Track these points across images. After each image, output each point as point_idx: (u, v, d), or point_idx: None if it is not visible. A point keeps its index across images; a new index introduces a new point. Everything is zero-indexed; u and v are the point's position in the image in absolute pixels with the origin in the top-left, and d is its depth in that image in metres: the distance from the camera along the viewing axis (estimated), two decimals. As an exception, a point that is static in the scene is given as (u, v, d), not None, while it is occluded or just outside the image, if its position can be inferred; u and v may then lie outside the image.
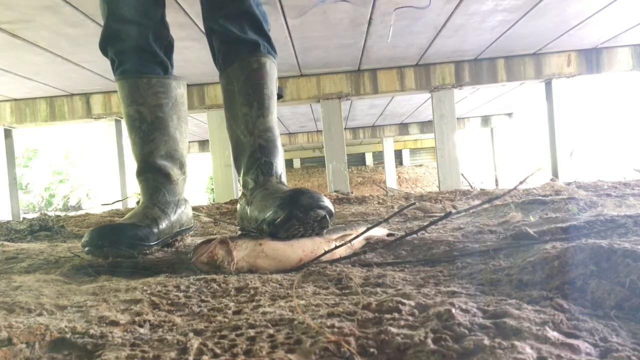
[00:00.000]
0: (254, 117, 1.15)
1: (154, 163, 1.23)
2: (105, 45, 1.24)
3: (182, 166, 1.29)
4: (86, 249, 1.03)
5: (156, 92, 1.22)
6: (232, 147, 1.23)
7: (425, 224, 1.20)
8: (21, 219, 2.41)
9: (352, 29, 2.74)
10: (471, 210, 1.54)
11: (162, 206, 1.20)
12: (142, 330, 0.55)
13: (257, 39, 1.19)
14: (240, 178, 1.20)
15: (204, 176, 11.25)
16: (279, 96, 1.25)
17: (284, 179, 1.18)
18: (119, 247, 1.03)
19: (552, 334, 0.44)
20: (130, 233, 1.07)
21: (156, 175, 1.23)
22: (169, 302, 0.67)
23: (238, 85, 1.16)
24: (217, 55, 1.23)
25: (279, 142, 1.20)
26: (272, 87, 1.20)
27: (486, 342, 0.42)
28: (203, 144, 7.63)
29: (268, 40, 1.23)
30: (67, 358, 0.49)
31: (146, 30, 1.21)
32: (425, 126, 7.39)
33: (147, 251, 1.10)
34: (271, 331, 0.51)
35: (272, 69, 1.20)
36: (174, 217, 1.22)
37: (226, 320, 0.57)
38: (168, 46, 1.29)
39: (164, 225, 1.17)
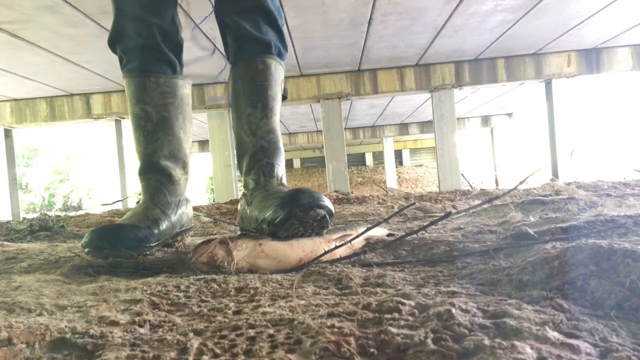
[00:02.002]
0: (257, 118, 1.16)
1: (156, 163, 1.22)
2: (114, 43, 1.24)
3: (184, 166, 1.29)
4: (86, 250, 1.03)
5: (163, 92, 1.21)
6: (235, 147, 1.23)
7: (425, 224, 1.20)
8: (21, 219, 2.41)
9: (352, 29, 2.73)
10: (471, 210, 1.54)
11: (163, 207, 1.20)
12: (142, 330, 0.55)
13: (270, 40, 1.18)
14: (242, 178, 1.20)
15: (204, 176, 11.25)
16: (283, 97, 1.25)
17: (285, 180, 1.18)
18: (119, 248, 1.03)
19: (552, 334, 0.44)
20: (130, 234, 1.07)
21: (158, 176, 1.23)
22: (169, 302, 0.67)
23: (243, 85, 1.17)
24: (229, 52, 1.23)
25: (281, 143, 1.20)
26: (277, 88, 1.20)
27: (486, 342, 0.42)
28: (203, 144, 7.62)
29: (281, 36, 1.22)
30: (67, 358, 0.49)
31: (155, 29, 1.21)
32: (425, 126, 7.39)
33: (147, 252, 1.10)
34: (271, 331, 0.51)
35: (278, 71, 1.20)
36: (174, 218, 1.22)
37: (226, 320, 0.57)
38: (177, 46, 1.28)
39: (164, 226, 1.17)
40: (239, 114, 1.18)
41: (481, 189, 2.97)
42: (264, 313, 0.58)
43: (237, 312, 0.61)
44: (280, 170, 1.17)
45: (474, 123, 7.34)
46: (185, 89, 1.28)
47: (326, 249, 0.96)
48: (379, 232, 1.18)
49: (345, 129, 7.19)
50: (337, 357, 0.44)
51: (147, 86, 1.21)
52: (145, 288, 0.73)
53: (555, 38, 3.20)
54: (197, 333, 0.53)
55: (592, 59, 3.57)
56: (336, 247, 0.97)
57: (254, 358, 0.45)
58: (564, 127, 3.68)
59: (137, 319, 0.58)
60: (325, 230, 1.03)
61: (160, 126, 1.23)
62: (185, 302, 0.67)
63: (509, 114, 7.18)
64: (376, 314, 0.54)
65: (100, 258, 1.05)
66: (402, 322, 0.50)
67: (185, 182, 1.30)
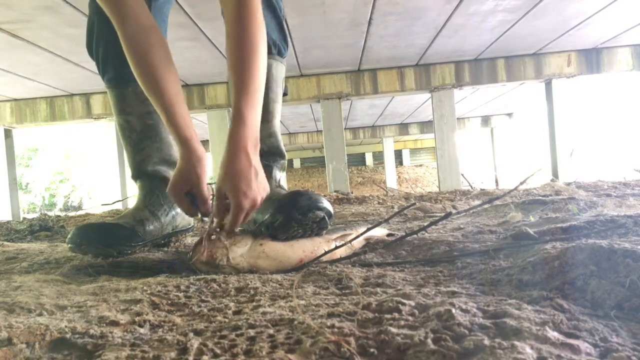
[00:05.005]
0: None
1: (146, 171, 1.22)
2: (92, 46, 1.18)
3: None
4: (68, 246, 1.04)
5: (143, 100, 1.13)
6: None
7: (425, 224, 1.20)
8: (21, 219, 2.41)
9: (352, 29, 2.73)
10: (471, 211, 1.54)
11: (152, 208, 1.19)
12: (142, 330, 0.55)
13: (269, 37, 1.14)
14: None
15: (204, 176, 11.22)
16: (284, 94, 1.24)
17: (283, 182, 1.18)
18: (96, 245, 1.03)
19: (552, 334, 0.44)
20: (110, 232, 1.07)
21: (152, 179, 1.22)
22: (169, 302, 0.67)
23: None
24: None
25: (281, 145, 1.19)
26: (278, 89, 1.18)
27: (486, 342, 0.42)
28: (203, 144, 7.61)
29: (281, 29, 1.18)
30: (67, 358, 0.49)
31: None
32: (425, 126, 7.38)
33: (129, 251, 1.09)
34: (271, 331, 0.51)
35: (278, 71, 1.18)
36: (165, 219, 1.21)
37: (226, 320, 0.57)
38: None
39: (151, 227, 1.16)
40: None
41: (481, 189, 2.97)
42: (264, 313, 0.58)
43: (237, 312, 0.61)
44: (278, 173, 1.17)
45: (474, 123, 7.34)
46: None
47: (326, 249, 0.96)
48: (379, 232, 1.18)
49: (345, 129, 7.18)
50: (337, 357, 0.44)
51: (127, 97, 1.18)
52: (145, 288, 0.73)
53: (555, 38, 3.20)
54: (197, 333, 0.53)
55: (592, 59, 3.57)
56: (336, 247, 0.97)
57: (254, 358, 0.45)
58: (564, 127, 3.68)
59: (137, 319, 0.58)
60: (325, 231, 1.03)
61: (146, 134, 1.21)
62: (185, 302, 0.67)
63: (509, 114, 7.18)
64: (376, 314, 0.54)
65: (80, 254, 1.06)
66: (402, 322, 0.50)
67: None
